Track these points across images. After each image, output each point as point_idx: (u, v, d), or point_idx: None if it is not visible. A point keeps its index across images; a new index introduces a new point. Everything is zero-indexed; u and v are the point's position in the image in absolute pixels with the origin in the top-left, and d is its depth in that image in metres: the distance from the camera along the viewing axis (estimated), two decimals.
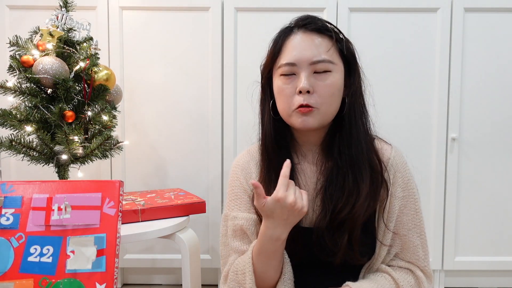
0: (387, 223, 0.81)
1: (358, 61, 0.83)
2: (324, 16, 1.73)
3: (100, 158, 1.37)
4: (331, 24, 0.81)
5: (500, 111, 1.78)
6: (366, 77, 0.85)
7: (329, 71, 0.77)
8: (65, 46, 1.34)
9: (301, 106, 0.76)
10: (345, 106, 0.81)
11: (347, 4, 1.74)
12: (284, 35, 0.81)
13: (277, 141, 0.84)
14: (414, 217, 0.82)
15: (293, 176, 0.82)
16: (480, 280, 1.89)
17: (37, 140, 1.28)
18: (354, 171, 0.79)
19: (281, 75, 0.79)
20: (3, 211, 0.93)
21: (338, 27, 0.83)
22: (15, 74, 1.28)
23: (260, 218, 0.82)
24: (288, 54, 0.78)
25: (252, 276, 0.76)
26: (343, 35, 0.81)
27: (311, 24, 0.79)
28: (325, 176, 0.81)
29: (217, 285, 1.90)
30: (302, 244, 0.80)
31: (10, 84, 1.26)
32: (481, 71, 1.77)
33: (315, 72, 0.77)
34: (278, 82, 0.80)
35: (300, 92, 0.76)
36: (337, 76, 0.78)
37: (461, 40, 1.75)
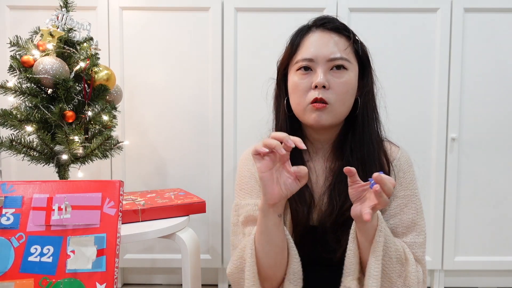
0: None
1: (371, 63, 0.85)
2: None
3: (100, 158, 1.37)
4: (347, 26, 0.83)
5: (500, 111, 1.78)
6: (379, 80, 0.86)
7: (345, 69, 0.79)
8: (65, 46, 1.34)
9: (316, 100, 0.77)
10: (357, 107, 0.82)
11: (347, 4, 1.74)
12: (302, 33, 0.83)
13: None
14: (414, 216, 0.82)
15: None
16: (480, 280, 1.89)
17: (37, 140, 1.28)
18: (364, 169, 0.80)
19: (298, 70, 0.80)
20: (4, 211, 0.93)
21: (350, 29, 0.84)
22: (15, 74, 1.28)
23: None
24: (306, 50, 0.80)
25: (252, 246, 0.76)
26: (358, 38, 0.83)
27: (329, 23, 0.81)
28: (334, 174, 0.83)
29: (217, 285, 1.90)
30: (309, 242, 0.81)
31: (10, 84, 1.26)
32: (481, 71, 1.77)
33: (332, 69, 0.78)
34: (293, 78, 0.81)
35: (316, 87, 0.77)
36: (352, 74, 0.79)
37: (461, 40, 1.75)
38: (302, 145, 0.65)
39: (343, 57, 0.78)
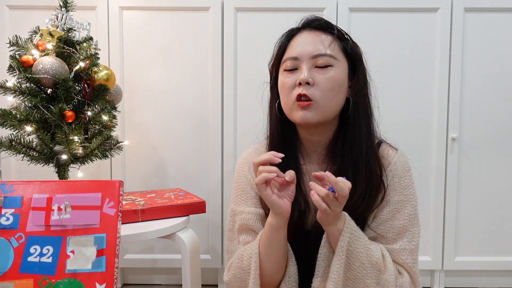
0: (370, 223, 0.82)
1: (364, 63, 0.84)
2: (324, 16, 1.73)
3: (100, 158, 1.37)
4: (336, 26, 0.83)
5: (500, 111, 1.78)
6: (373, 80, 0.86)
7: (331, 66, 0.78)
8: (65, 46, 1.33)
9: (300, 97, 0.77)
10: (349, 106, 0.81)
11: (347, 4, 1.74)
12: (290, 34, 0.84)
13: (283, 141, 0.85)
14: (406, 222, 0.80)
15: (298, 177, 0.83)
16: (480, 280, 1.89)
17: (37, 140, 1.28)
18: (353, 172, 0.79)
19: (285, 70, 0.81)
20: (3, 211, 0.93)
21: (338, 27, 0.84)
22: (15, 74, 1.28)
23: (266, 213, 0.84)
24: (292, 50, 0.80)
25: (257, 259, 0.77)
26: (349, 37, 0.83)
27: (314, 22, 0.82)
28: None
29: (217, 285, 1.90)
30: (301, 247, 0.82)
31: (10, 84, 1.25)
32: (481, 71, 1.77)
33: (317, 67, 0.78)
34: (281, 78, 0.82)
35: (300, 84, 0.77)
36: (339, 71, 0.79)
37: (461, 40, 1.75)
38: (279, 154, 0.71)
39: (327, 54, 0.77)
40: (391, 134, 0.90)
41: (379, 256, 0.75)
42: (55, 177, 1.35)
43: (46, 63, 1.24)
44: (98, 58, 1.41)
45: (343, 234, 0.72)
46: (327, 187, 0.69)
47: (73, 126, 1.28)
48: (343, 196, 0.67)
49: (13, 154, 1.27)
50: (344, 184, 0.67)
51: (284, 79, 0.80)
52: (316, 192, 0.68)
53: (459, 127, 1.77)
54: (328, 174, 0.67)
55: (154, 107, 1.81)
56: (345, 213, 0.75)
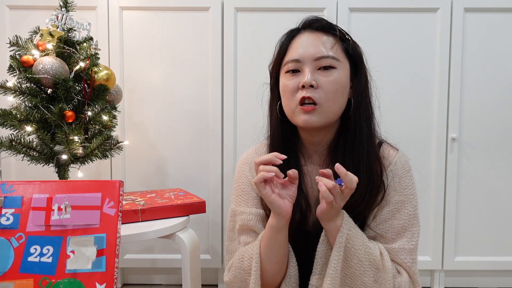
0: (370, 223, 0.82)
1: (365, 63, 0.84)
2: (324, 16, 1.73)
3: (100, 158, 1.37)
4: (337, 26, 0.82)
5: (500, 111, 1.78)
6: (374, 80, 0.85)
7: (334, 68, 0.78)
8: (65, 46, 1.34)
9: (304, 100, 0.76)
10: (351, 107, 0.81)
11: (347, 4, 1.74)
12: (290, 35, 0.83)
13: (284, 142, 0.85)
14: (406, 222, 0.80)
15: (299, 178, 0.83)
16: (480, 280, 1.89)
17: (37, 140, 1.28)
18: (354, 172, 0.79)
19: (286, 72, 0.80)
20: (3, 211, 0.93)
21: (339, 27, 0.84)
22: (15, 74, 1.28)
23: (267, 213, 0.84)
24: (294, 51, 0.80)
25: (258, 260, 0.77)
26: (350, 37, 0.82)
27: (316, 23, 0.81)
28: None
29: (217, 285, 1.90)
30: (302, 247, 0.82)
31: (10, 84, 1.26)
32: (481, 71, 1.77)
33: (319, 69, 0.78)
34: (283, 80, 0.81)
35: (303, 86, 0.76)
36: (341, 73, 0.78)
37: (461, 40, 1.75)
38: (282, 156, 0.72)
39: (330, 56, 0.77)
40: (391, 134, 0.90)
41: (377, 254, 0.75)
42: (55, 177, 1.35)
43: (46, 63, 1.24)
44: (98, 58, 1.41)
45: (341, 231, 0.73)
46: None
47: (73, 126, 1.28)
48: (350, 188, 0.68)
49: (13, 154, 1.27)
50: (352, 177, 0.68)
51: (286, 81, 0.80)
52: (324, 184, 0.69)
53: (459, 127, 1.78)
54: (338, 165, 0.67)
55: (154, 107, 1.81)
56: (344, 211, 0.75)
